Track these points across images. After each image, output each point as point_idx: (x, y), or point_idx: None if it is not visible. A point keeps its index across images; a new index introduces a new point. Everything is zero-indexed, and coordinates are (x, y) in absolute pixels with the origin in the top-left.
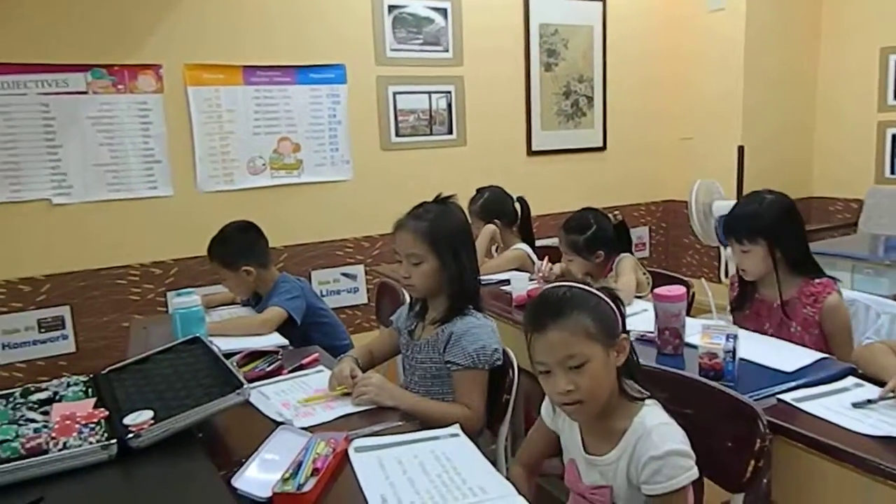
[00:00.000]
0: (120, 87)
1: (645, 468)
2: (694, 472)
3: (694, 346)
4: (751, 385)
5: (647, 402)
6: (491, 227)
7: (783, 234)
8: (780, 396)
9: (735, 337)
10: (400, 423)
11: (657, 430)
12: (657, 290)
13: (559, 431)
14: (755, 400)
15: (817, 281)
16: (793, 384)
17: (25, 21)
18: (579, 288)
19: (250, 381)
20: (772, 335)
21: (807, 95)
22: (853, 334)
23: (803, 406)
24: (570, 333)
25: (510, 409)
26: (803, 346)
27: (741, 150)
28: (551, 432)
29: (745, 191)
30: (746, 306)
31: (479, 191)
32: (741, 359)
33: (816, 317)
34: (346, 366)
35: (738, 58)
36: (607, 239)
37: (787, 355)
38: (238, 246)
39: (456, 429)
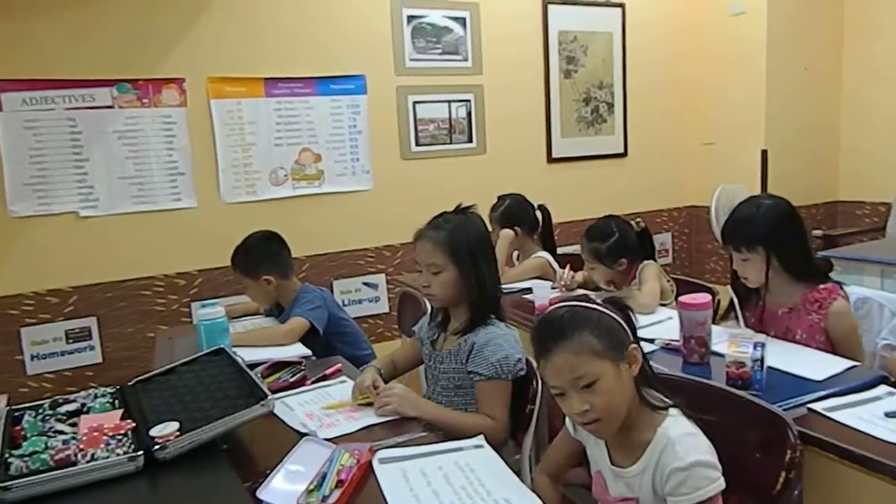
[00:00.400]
0: (145, 101)
1: (669, 479)
2: (720, 483)
3: (721, 355)
4: (779, 394)
5: (671, 411)
6: (509, 232)
7: (782, 240)
8: (811, 406)
9: (763, 345)
10: (423, 433)
11: (681, 441)
12: (682, 299)
13: (584, 443)
14: (784, 409)
15: (822, 286)
16: (823, 393)
17: (52, 37)
18: (580, 305)
19: (274, 392)
20: None
21: (831, 97)
22: (868, 334)
23: (835, 415)
24: (575, 354)
25: (534, 419)
26: None
27: (765, 153)
28: (576, 442)
29: None
30: (748, 315)
31: (500, 198)
32: (769, 367)
33: (822, 323)
34: (369, 376)
35: (760, 61)
36: (630, 246)
37: (816, 363)
38: (259, 255)
39: (480, 440)
